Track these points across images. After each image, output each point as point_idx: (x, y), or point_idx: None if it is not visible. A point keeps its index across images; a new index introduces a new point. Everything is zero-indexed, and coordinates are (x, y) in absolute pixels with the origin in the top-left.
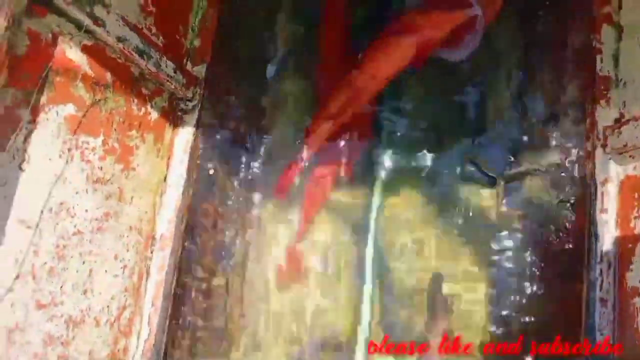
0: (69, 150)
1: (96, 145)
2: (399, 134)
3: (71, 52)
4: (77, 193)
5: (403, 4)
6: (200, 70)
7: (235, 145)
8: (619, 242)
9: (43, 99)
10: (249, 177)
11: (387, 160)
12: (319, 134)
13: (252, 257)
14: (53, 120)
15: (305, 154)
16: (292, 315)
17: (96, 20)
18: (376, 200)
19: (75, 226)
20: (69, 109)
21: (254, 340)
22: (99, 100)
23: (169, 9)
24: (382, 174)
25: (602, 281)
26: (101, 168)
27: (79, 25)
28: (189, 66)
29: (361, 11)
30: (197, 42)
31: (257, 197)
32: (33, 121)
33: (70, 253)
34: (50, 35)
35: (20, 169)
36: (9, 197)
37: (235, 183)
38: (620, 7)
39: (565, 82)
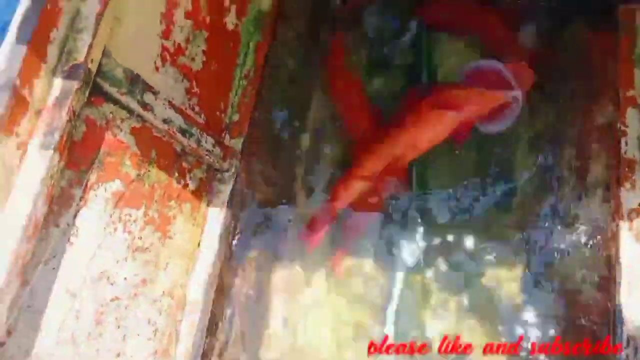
0: (113, 222)
1: (138, 217)
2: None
3: (121, 135)
4: (117, 262)
5: (434, 78)
6: (237, 143)
7: (265, 213)
8: None
9: (93, 178)
10: (277, 243)
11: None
12: (350, 192)
13: (281, 325)
14: (101, 196)
15: (332, 210)
16: None
17: (145, 106)
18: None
19: (113, 293)
20: (116, 185)
21: None
22: (143, 175)
23: (211, 89)
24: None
25: None
26: (141, 238)
27: (130, 111)
28: (226, 139)
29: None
30: (235, 117)
31: (283, 261)
32: (83, 198)
33: (108, 318)
34: (104, 121)
35: (69, 242)
36: (57, 268)
37: (260, 249)
38: None
39: (591, 163)
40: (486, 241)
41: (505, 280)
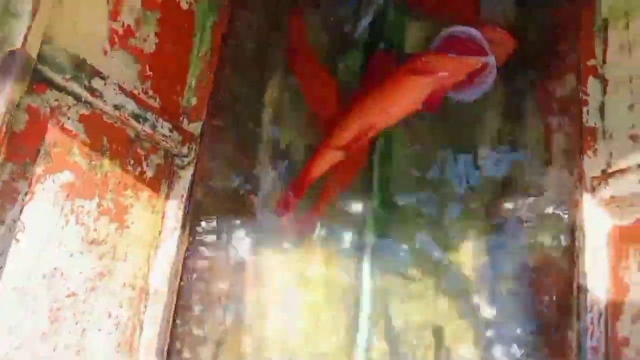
0: (65, 215)
1: (91, 208)
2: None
3: (68, 123)
4: (71, 256)
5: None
6: (195, 127)
7: (231, 197)
8: (609, 292)
9: (40, 170)
10: (246, 227)
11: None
12: (324, 163)
13: (250, 309)
14: (49, 189)
15: (306, 182)
16: None
17: (93, 92)
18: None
19: (68, 288)
20: (66, 176)
21: None
22: (95, 164)
23: (166, 72)
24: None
25: (592, 330)
26: (96, 229)
27: (77, 98)
28: (184, 123)
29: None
30: (193, 101)
31: (253, 247)
32: (29, 192)
33: (64, 315)
34: (48, 109)
35: (16, 239)
36: (3, 266)
37: (232, 234)
38: (604, 62)
39: (554, 133)
40: (452, 214)
41: (473, 253)
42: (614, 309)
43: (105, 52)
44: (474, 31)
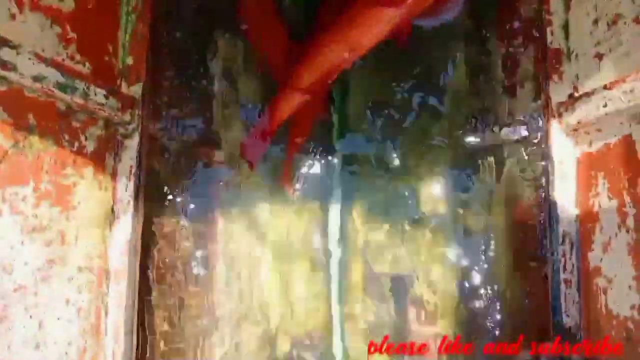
0: None
1: (26, 194)
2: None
3: None
4: (12, 248)
5: None
6: (136, 90)
7: (186, 158)
8: (579, 221)
9: None
10: (204, 187)
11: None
12: (288, 106)
13: (219, 269)
14: None
15: (272, 125)
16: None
17: (4, 65)
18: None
19: (15, 282)
20: None
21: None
22: (23, 145)
23: (93, 31)
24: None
25: (565, 262)
26: (36, 216)
27: None
28: (123, 87)
29: None
30: (129, 60)
31: (215, 204)
32: None
33: (14, 310)
34: None
35: None
36: None
37: (189, 197)
38: None
39: (519, 57)
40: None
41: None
42: (585, 239)
43: (14, 17)
44: None
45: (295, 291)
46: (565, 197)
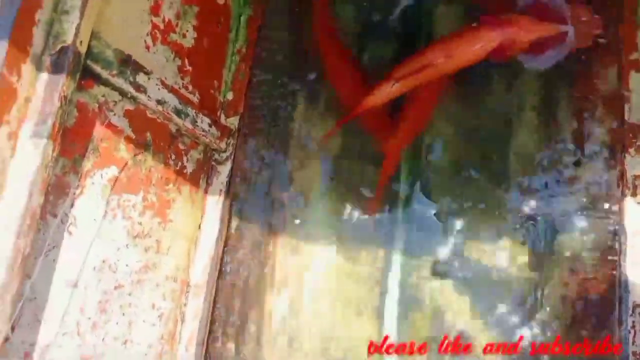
0: (112, 209)
1: (136, 202)
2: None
3: (115, 118)
4: (118, 249)
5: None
6: (233, 122)
7: (262, 191)
8: None
9: (89, 165)
10: (282, 219)
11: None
12: (380, 93)
13: (285, 298)
14: (98, 183)
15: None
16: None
17: (138, 87)
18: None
19: (116, 281)
20: (113, 170)
21: None
22: (139, 159)
23: (204, 67)
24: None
25: (634, 335)
26: (141, 223)
27: (122, 93)
28: (222, 118)
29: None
30: (230, 95)
31: (288, 243)
32: (79, 186)
33: (112, 307)
34: (96, 105)
35: (68, 232)
36: (57, 259)
37: (269, 226)
38: None
39: (594, 128)
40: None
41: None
42: None
43: (148, 48)
44: (559, 0)
45: None
46: (637, 269)
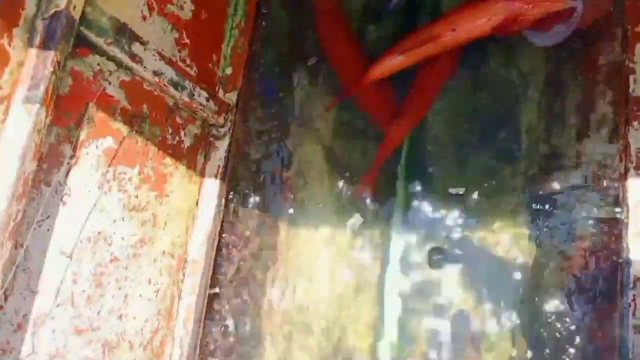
0: (107, 181)
1: (132, 175)
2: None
3: (110, 88)
4: (114, 222)
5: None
6: (231, 97)
7: (261, 169)
8: None
9: (83, 135)
10: (281, 196)
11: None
12: (387, 62)
13: (283, 275)
14: (93, 154)
15: (366, 78)
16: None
17: (134, 57)
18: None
19: (112, 254)
20: (108, 141)
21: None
22: (136, 131)
23: (202, 40)
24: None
25: (635, 307)
26: (137, 196)
27: (118, 63)
28: (220, 93)
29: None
30: (228, 70)
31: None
32: (74, 156)
33: (107, 280)
34: (91, 74)
35: (62, 202)
36: (51, 229)
37: (267, 204)
38: None
39: (597, 102)
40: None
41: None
42: None
43: (144, 18)
44: None
45: None
46: (639, 242)
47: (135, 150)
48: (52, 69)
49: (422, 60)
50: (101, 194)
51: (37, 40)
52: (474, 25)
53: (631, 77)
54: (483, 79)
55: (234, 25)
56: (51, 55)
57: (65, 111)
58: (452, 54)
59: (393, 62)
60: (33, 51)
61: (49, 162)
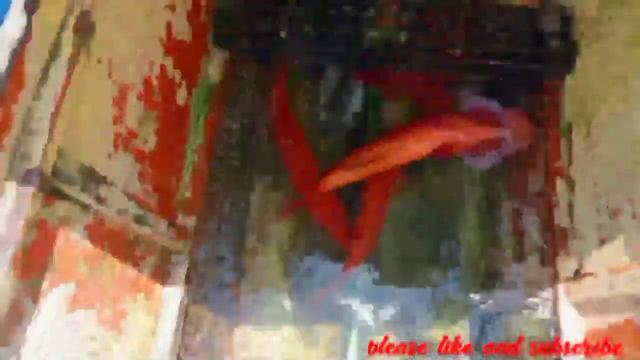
0: (66, 327)
1: (92, 318)
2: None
3: (74, 233)
4: None
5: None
6: (190, 221)
7: (219, 287)
8: None
9: (46, 284)
10: (238, 319)
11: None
12: (335, 178)
13: None
14: (54, 302)
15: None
16: None
17: (100, 199)
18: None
19: None
20: (70, 287)
21: None
22: (95, 272)
23: (164, 169)
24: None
25: None
26: (95, 338)
27: (83, 207)
28: (180, 217)
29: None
30: (187, 194)
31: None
32: (36, 309)
33: None
34: (56, 222)
35: (18, 354)
36: None
37: (225, 326)
38: (570, 163)
39: (530, 229)
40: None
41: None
42: None
43: (110, 156)
44: (496, 106)
45: None
46: None
47: (95, 291)
48: (26, 229)
49: (370, 176)
50: (63, 343)
51: (9, 200)
52: (416, 147)
53: (555, 210)
54: (428, 195)
55: (193, 150)
56: (23, 216)
57: (29, 264)
58: (397, 170)
59: (342, 177)
60: (3, 212)
61: (8, 321)
